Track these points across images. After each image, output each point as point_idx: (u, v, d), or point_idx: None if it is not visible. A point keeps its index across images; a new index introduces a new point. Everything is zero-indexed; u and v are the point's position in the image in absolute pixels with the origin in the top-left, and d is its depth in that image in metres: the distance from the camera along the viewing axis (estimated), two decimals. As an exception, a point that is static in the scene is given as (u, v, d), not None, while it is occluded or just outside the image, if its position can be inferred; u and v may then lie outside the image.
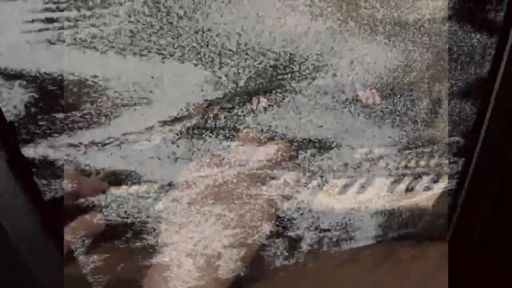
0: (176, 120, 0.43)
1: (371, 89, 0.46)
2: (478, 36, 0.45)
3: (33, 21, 0.37)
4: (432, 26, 0.44)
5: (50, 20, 0.37)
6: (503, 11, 0.42)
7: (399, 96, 0.47)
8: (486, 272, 0.56)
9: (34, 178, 0.42)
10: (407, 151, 0.51)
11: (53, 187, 0.42)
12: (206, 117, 0.43)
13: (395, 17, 0.43)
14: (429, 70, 0.47)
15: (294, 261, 0.52)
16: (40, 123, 0.40)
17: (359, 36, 0.43)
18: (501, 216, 0.53)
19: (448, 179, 0.52)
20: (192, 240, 0.44)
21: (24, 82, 0.39)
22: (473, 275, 0.56)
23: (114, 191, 0.45)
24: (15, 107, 0.39)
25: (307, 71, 0.44)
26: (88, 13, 0.37)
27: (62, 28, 0.37)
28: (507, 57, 0.43)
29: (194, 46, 0.40)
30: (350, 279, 0.55)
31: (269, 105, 0.45)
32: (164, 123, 0.43)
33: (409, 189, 0.53)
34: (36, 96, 0.39)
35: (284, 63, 0.43)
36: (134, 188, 0.45)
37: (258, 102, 0.45)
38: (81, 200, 0.44)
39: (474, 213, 0.52)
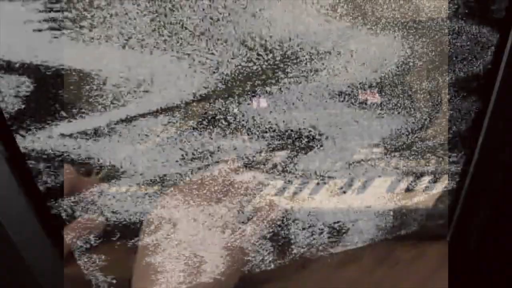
0: (172, 112, 0.43)
1: (371, 89, 0.46)
2: (478, 35, 0.45)
3: (32, 15, 0.37)
4: (433, 24, 0.44)
5: (48, 13, 0.37)
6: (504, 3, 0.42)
7: (399, 96, 0.47)
8: (486, 272, 0.56)
9: (34, 178, 0.42)
10: (407, 151, 0.51)
11: (52, 178, 0.42)
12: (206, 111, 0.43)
13: (397, 14, 0.43)
14: (430, 70, 0.47)
15: (294, 261, 0.52)
16: (37, 115, 0.40)
17: (362, 32, 0.43)
18: (501, 216, 0.53)
19: (448, 179, 0.52)
20: (185, 239, 0.44)
21: (23, 74, 0.38)
22: (473, 275, 0.56)
23: (114, 190, 0.45)
24: (13, 101, 0.39)
25: (310, 66, 0.44)
26: (85, 7, 0.37)
27: (61, 21, 0.37)
28: (507, 58, 0.43)
29: (192, 38, 0.40)
30: (350, 279, 0.55)
31: (268, 105, 0.45)
32: (158, 114, 0.43)
33: (409, 189, 0.53)
34: (34, 89, 0.39)
35: (286, 58, 0.43)
36: (134, 188, 0.46)
37: (258, 102, 0.45)
38: (81, 199, 0.44)
39: (474, 213, 0.52)
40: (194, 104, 0.43)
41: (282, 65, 0.43)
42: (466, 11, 0.44)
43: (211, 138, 0.45)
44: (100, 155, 0.43)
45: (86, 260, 0.46)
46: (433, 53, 0.46)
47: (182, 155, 0.45)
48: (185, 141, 0.45)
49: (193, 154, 0.45)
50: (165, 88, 0.42)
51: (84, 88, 0.40)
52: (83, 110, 0.41)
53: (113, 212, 0.46)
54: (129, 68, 0.40)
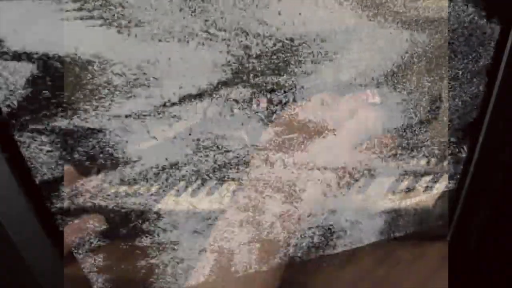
0: (184, 102, 0.42)
1: (370, 89, 0.46)
2: (478, 35, 0.45)
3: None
4: (432, 23, 0.44)
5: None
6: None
7: (399, 95, 0.47)
8: (486, 272, 0.56)
9: (34, 178, 0.42)
10: (407, 151, 0.51)
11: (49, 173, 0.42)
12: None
13: (401, 9, 0.43)
14: (430, 69, 0.47)
15: (293, 261, 0.52)
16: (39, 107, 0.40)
17: (366, 28, 0.43)
18: (501, 216, 0.53)
19: (448, 179, 0.52)
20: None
21: (27, 63, 0.38)
22: (473, 275, 0.56)
23: (115, 190, 0.45)
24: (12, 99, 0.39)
25: (314, 61, 0.43)
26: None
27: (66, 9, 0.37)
28: (507, 58, 0.43)
29: (204, 27, 0.40)
30: (350, 279, 0.55)
31: (269, 105, 0.45)
32: (167, 106, 0.42)
33: (409, 189, 0.53)
34: (37, 79, 0.39)
35: (291, 50, 0.42)
36: (135, 187, 0.46)
37: (258, 103, 0.45)
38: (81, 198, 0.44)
39: (474, 213, 0.52)
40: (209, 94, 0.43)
41: (293, 59, 0.43)
42: (466, 10, 0.44)
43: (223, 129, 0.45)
44: (107, 150, 0.43)
45: (86, 260, 0.46)
46: (433, 53, 0.46)
47: (194, 148, 0.45)
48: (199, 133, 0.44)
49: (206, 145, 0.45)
50: (181, 77, 0.41)
51: (90, 77, 0.40)
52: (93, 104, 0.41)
53: (114, 211, 0.46)
54: (140, 57, 0.40)
